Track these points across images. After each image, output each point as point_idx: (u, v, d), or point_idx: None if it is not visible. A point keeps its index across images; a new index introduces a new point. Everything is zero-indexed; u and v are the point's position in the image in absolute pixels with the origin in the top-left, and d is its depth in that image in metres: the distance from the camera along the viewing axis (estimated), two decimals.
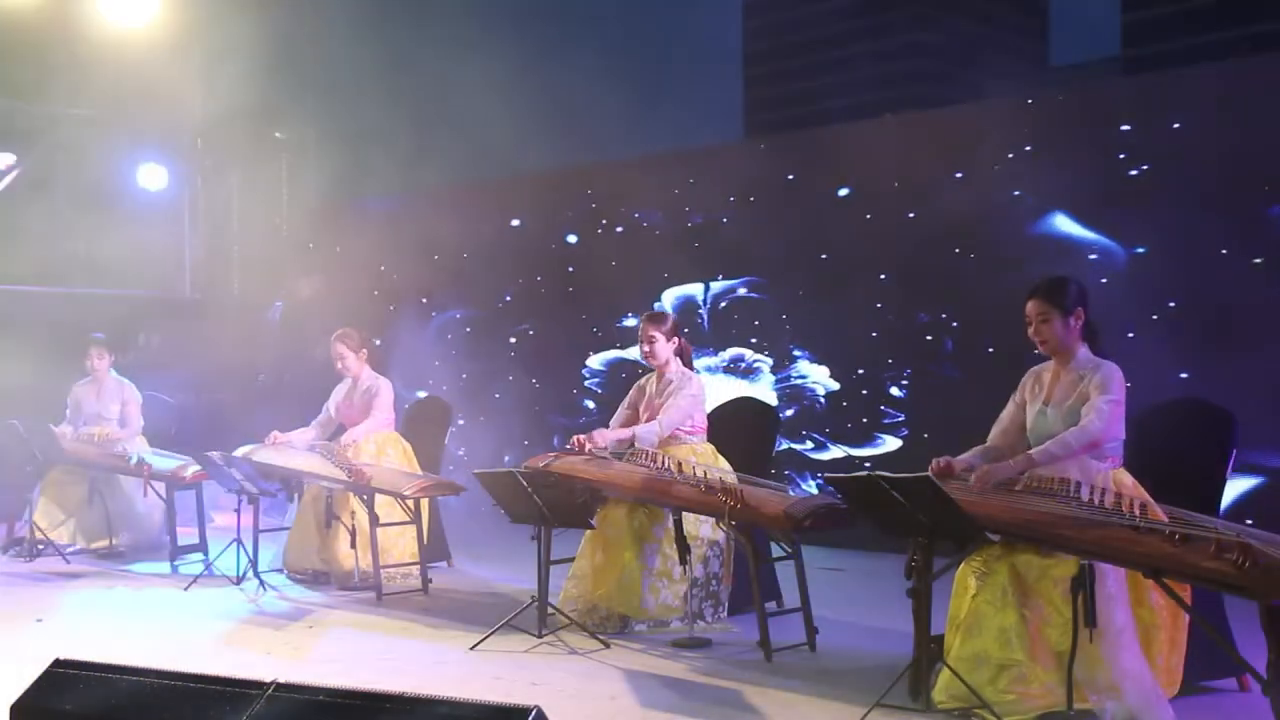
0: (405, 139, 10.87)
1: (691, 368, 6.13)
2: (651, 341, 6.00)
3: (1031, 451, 4.36)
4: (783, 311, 9.00)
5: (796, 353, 8.92)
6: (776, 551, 5.77)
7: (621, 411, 6.23)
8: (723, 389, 8.73)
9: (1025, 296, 4.56)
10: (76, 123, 10.66)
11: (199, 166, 11.72)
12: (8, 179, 10.22)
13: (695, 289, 9.51)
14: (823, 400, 8.74)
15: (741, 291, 9.26)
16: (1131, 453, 4.48)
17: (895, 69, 78.38)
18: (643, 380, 6.23)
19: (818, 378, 8.82)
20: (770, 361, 9.06)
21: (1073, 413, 4.39)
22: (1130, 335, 6.97)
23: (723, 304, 9.35)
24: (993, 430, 4.70)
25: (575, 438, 5.99)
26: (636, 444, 5.82)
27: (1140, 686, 4.06)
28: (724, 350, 9.31)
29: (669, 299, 9.57)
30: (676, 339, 6.06)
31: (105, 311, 9.89)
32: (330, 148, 11.29)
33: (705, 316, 9.41)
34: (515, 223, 10.65)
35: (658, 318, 6.06)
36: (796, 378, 8.89)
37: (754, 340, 9.18)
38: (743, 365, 9.20)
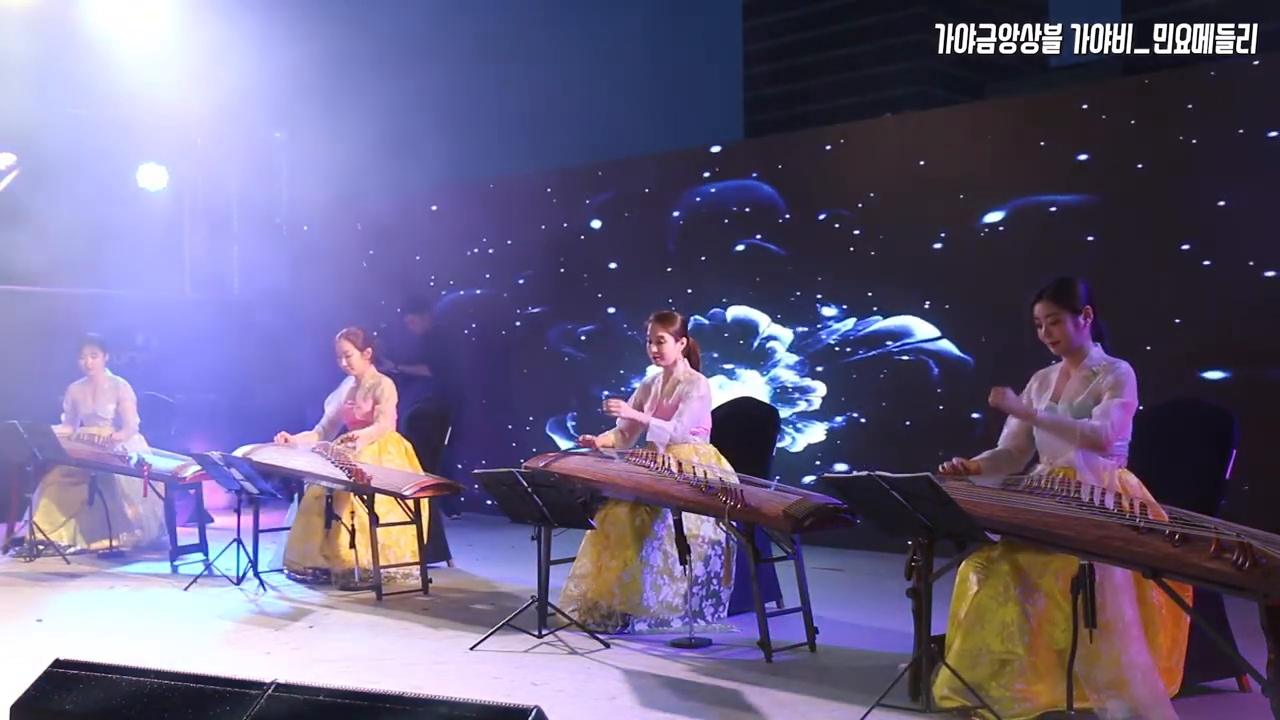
0: (405, 139, 10.85)
1: (698, 368, 6.14)
2: (660, 342, 6.02)
3: (1041, 410, 4.46)
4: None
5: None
6: (776, 551, 5.78)
7: None
8: (729, 391, 8.65)
9: (1031, 300, 4.55)
10: (76, 123, 10.64)
11: (199, 166, 11.70)
12: (8, 179, 10.21)
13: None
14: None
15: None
16: (1132, 453, 4.48)
17: (894, 69, 78.33)
18: (648, 379, 6.24)
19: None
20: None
21: (1084, 409, 4.40)
22: None
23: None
24: (1003, 433, 4.72)
25: (583, 437, 6.09)
26: (649, 435, 5.87)
27: (1150, 681, 4.06)
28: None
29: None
30: (685, 339, 6.07)
31: (105, 311, 9.88)
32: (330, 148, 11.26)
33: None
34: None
35: (666, 318, 6.05)
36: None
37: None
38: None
